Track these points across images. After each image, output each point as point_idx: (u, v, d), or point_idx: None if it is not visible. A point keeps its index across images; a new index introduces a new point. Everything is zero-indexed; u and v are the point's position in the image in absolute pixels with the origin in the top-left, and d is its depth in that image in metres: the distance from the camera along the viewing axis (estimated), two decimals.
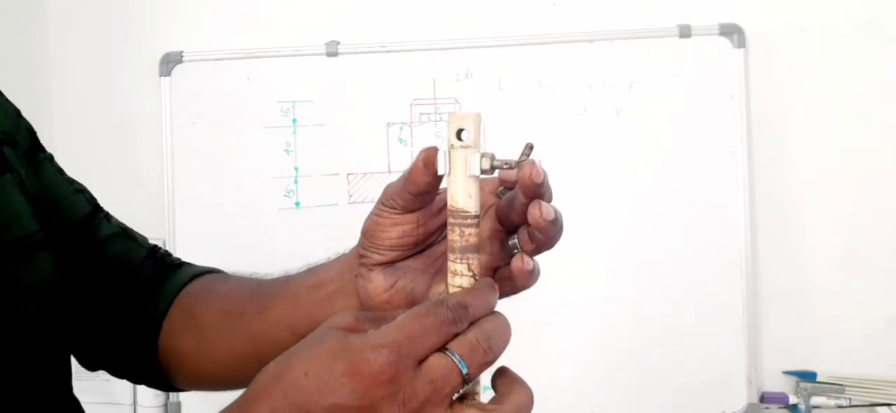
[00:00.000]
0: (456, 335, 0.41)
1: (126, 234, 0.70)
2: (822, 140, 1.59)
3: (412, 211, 0.50)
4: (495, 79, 1.59)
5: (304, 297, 0.56)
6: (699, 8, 1.58)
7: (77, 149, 1.68)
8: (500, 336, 0.43)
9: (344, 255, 0.55)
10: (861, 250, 1.58)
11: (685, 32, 1.56)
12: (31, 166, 0.62)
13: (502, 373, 0.46)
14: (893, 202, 1.58)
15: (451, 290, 0.45)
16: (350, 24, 1.65)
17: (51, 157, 0.67)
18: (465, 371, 0.40)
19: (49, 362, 0.57)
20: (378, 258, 0.51)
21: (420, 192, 0.49)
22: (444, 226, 0.48)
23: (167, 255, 0.71)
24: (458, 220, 0.45)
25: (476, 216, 0.45)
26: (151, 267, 0.68)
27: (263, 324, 0.58)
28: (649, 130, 1.56)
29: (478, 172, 0.45)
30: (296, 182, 1.62)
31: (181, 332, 0.63)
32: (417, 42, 1.61)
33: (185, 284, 0.66)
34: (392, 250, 0.51)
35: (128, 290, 0.66)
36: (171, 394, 1.60)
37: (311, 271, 0.57)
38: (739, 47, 1.56)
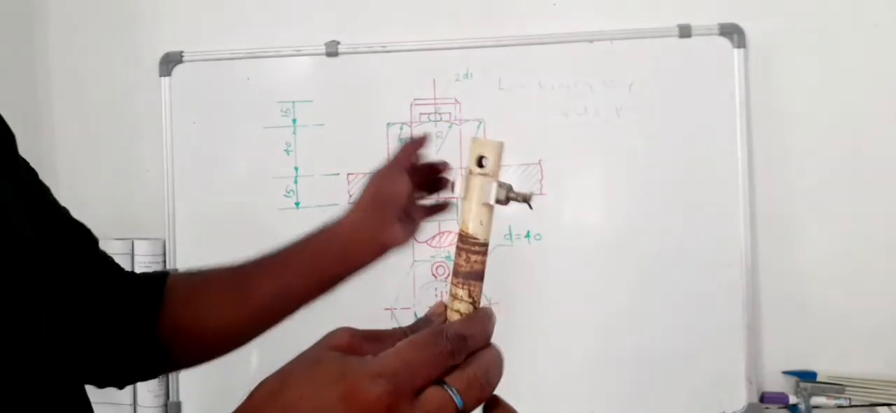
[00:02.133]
0: (454, 367, 0.41)
1: (105, 257, 0.71)
2: (822, 140, 1.59)
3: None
4: (495, 79, 1.59)
5: (292, 263, 0.59)
6: (699, 8, 1.58)
7: (77, 149, 1.68)
8: (496, 371, 0.43)
9: (339, 218, 0.57)
10: (861, 250, 1.58)
11: (685, 32, 1.56)
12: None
13: (496, 403, 0.46)
14: (893, 203, 1.58)
15: (451, 313, 0.45)
16: (350, 24, 1.65)
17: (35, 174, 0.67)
18: (460, 405, 0.40)
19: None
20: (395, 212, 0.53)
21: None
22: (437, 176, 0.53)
23: (107, 262, 0.72)
24: (467, 246, 0.45)
25: (484, 244, 0.45)
26: (137, 275, 0.69)
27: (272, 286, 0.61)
28: (649, 130, 1.56)
29: (493, 201, 0.45)
30: (296, 182, 1.62)
31: (191, 298, 0.64)
32: (417, 42, 1.61)
33: (165, 277, 0.67)
34: (393, 202, 0.53)
35: (121, 296, 0.66)
36: (170, 393, 1.60)
37: (324, 228, 0.60)
38: (739, 47, 1.56)
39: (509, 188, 0.46)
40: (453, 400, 0.40)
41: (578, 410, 1.57)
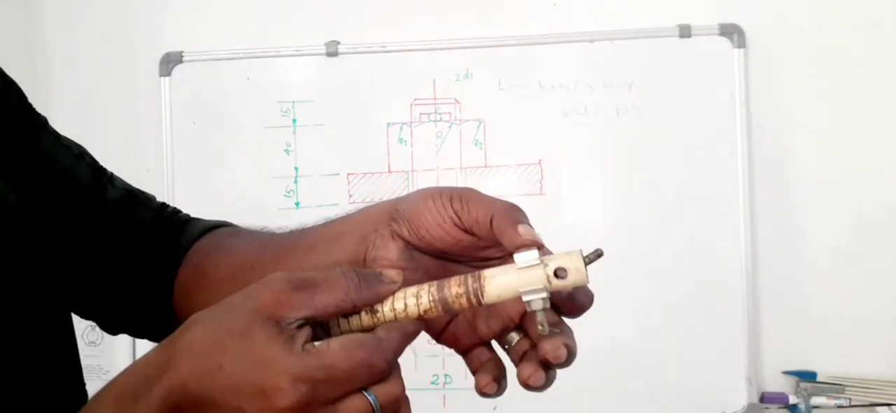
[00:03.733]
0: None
1: (132, 195, 0.69)
2: (822, 140, 1.59)
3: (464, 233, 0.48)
4: (495, 79, 1.59)
5: (320, 248, 0.54)
6: (699, 8, 1.58)
7: None
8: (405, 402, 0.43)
9: (367, 208, 0.53)
10: (861, 250, 1.58)
11: (685, 32, 1.56)
12: (24, 137, 0.61)
13: None
14: (893, 202, 1.58)
15: (407, 299, 0.43)
16: (350, 24, 1.65)
17: (45, 123, 0.66)
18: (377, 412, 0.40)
19: (56, 350, 0.57)
20: (406, 236, 0.49)
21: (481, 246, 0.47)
22: (476, 255, 0.47)
23: (176, 212, 0.70)
24: (469, 288, 0.43)
25: (481, 305, 0.43)
26: (161, 226, 0.68)
27: None
28: (649, 130, 1.56)
29: (530, 306, 0.43)
30: (296, 182, 1.62)
31: (193, 290, 0.62)
32: (417, 42, 1.61)
33: (194, 241, 0.65)
34: (421, 242, 0.48)
35: (139, 252, 0.65)
36: None
37: (329, 223, 0.56)
38: (739, 47, 1.56)
39: (547, 311, 0.43)
40: (372, 408, 0.39)
41: (578, 410, 1.57)
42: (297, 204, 1.61)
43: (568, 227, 1.57)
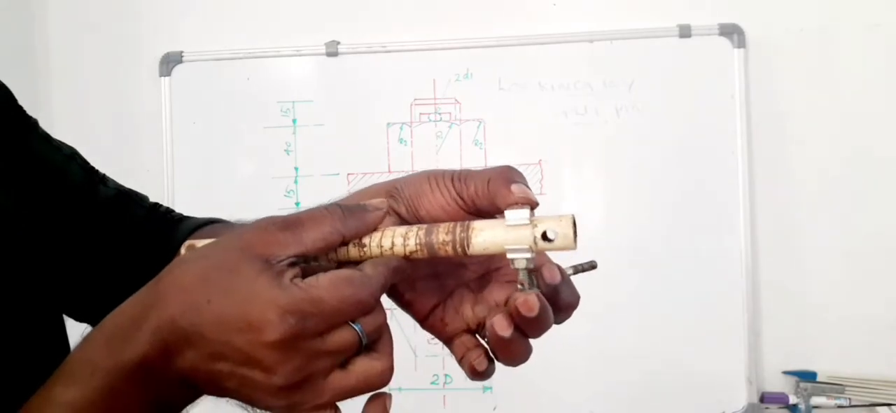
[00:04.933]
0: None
1: (125, 194, 0.69)
2: (822, 140, 1.59)
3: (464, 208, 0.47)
4: (495, 79, 1.59)
5: None
6: (699, 8, 1.58)
7: (77, 148, 1.68)
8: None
9: (359, 190, 0.52)
10: (861, 250, 1.58)
11: (685, 32, 1.56)
12: (14, 139, 0.60)
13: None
14: (893, 202, 1.58)
15: (386, 240, 0.43)
16: (350, 24, 1.65)
17: (35, 125, 0.66)
18: (364, 342, 0.41)
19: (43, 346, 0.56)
20: (403, 214, 0.48)
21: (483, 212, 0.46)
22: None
23: (169, 211, 0.70)
24: (456, 236, 0.42)
25: (465, 255, 0.43)
26: (153, 224, 0.67)
27: None
28: (649, 130, 1.56)
29: (513, 264, 0.42)
30: (296, 182, 1.62)
31: None
32: (417, 42, 1.61)
33: (187, 236, 0.65)
34: (418, 221, 0.47)
35: (131, 251, 0.65)
36: None
37: (319, 206, 0.56)
38: (739, 47, 1.56)
39: (531, 272, 0.43)
40: (359, 337, 0.40)
41: (578, 410, 1.57)
42: (297, 204, 1.61)
43: None
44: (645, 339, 1.55)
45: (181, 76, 1.64)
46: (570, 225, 0.42)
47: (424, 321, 0.50)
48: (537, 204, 0.44)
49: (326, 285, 0.39)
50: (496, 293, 0.48)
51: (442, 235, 0.43)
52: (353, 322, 0.40)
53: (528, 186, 0.45)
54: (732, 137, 1.55)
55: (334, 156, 1.60)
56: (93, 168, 0.69)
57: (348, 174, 1.60)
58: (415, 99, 1.60)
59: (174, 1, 1.71)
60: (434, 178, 0.47)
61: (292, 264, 0.40)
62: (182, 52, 1.64)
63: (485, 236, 0.42)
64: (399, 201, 0.48)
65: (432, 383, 1.56)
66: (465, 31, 1.61)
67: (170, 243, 0.65)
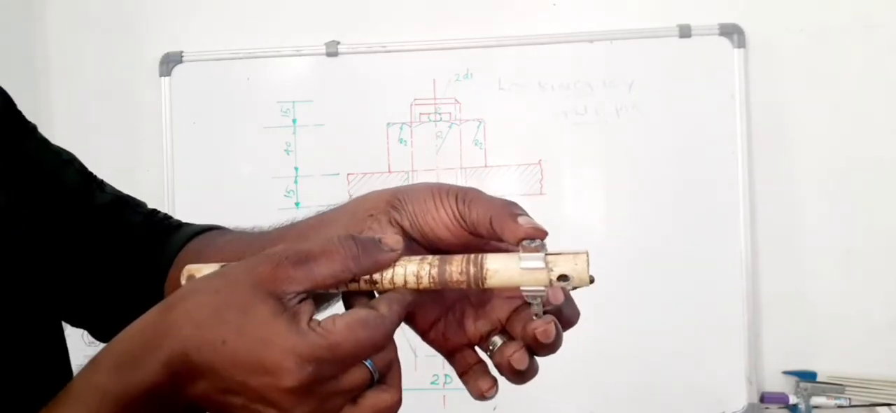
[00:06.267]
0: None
1: (122, 200, 0.69)
2: (822, 140, 1.59)
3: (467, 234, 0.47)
4: (495, 79, 1.59)
5: (310, 236, 0.52)
6: (699, 8, 1.58)
7: (77, 149, 1.67)
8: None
9: (361, 196, 0.52)
10: (861, 250, 1.58)
11: (685, 32, 1.56)
12: (12, 142, 0.60)
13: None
14: (893, 202, 1.58)
15: (408, 268, 0.42)
16: (350, 24, 1.65)
17: (34, 129, 0.66)
18: (375, 377, 0.41)
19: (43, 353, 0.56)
20: (407, 227, 0.48)
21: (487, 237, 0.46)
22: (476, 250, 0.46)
23: (166, 217, 0.70)
24: (470, 275, 0.42)
25: (481, 289, 0.43)
26: (150, 230, 0.67)
27: None
28: (649, 130, 1.56)
29: (528, 298, 0.42)
30: (296, 182, 1.62)
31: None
32: (417, 42, 1.61)
33: (183, 244, 0.65)
34: (422, 237, 0.47)
35: (128, 256, 0.65)
36: None
37: (320, 214, 0.55)
38: (739, 47, 1.56)
39: (544, 301, 0.43)
40: (372, 374, 0.40)
41: (578, 410, 1.57)
42: (297, 204, 1.61)
43: (568, 226, 1.56)
44: (645, 339, 1.55)
45: (181, 76, 1.64)
46: (585, 264, 0.41)
47: (425, 335, 0.50)
48: (546, 234, 0.43)
49: (343, 330, 0.39)
50: (498, 309, 0.48)
51: (455, 274, 0.42)
52: (370, 363, 0.40)
53: (530, 217, 0.44)
54: (732, 137, 1.55)
55: (334, 156, 1.60)
56: (90, 173, 0.69)
57: (348, 174, 1.60)
58: (415, 99, 1.60)
59: (174, 1, 1.71)
60: (438, 194, 0.47)
61: (304, 300, 0.40)
62: (182, 52, 1.64)
63: (500, 277, 0.42)
64: (402, 214, 0.47)
65: (432, 383, 1.56)
66: (465, 31, 1.61)
67: (165, 249, 0.64)
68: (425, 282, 0.42)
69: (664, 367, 1.55)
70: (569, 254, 0.42)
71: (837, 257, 1.59)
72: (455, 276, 0.42)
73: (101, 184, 0.69)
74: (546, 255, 0.42)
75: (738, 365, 1.54)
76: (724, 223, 1.55)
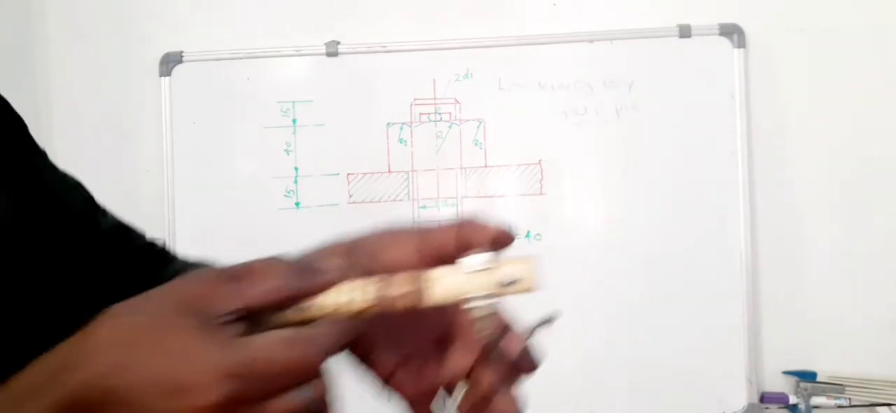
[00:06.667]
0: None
1: (123, 228, 0.70)
2: (822, 140, 1.59)
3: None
4: (495, 79, 1.59)
5: None
6: (699, 8, 1.58)
7: (77, 149, 1.68)
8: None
9: (322, 247, 0.48)
10: (861, 250, 1.58)
11: (685, 32, 1.56)
12: (23, 163, 0.61)
13: None
14: (893, 202, 1.58)
15: (348, 292, 0.39)
16: (350, 24, 1.65)
17: (44, 155, 0.67)
18: (311, 411, 0.37)
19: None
20: (360, 271, 0.44)
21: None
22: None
23: (165, 248, 0.71)
24: (413, 287, 0.39)
25: (422, 307, 0.40)
26: (147, 259, 0.68)
27: None
28: (649, 130, 1.56)
29: (473, 313, 0.40)
30: (296, 182, 1.62)
31: None
32: (417, 42, 1.61)
33: (179, 273, 0.66)
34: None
35: (129, 282, 0.66)
36: None
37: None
38: (739, 47, 1.56)
39: (495, 316, 0.41)
40: (304, 401, 0.36)
41: (578, 410, 1.57)
42: (297, 204, 1.61)
43: (568, 226, 1.57)
44: (645, 339, 1.55)
45: (181, 76, 1.64)
46: (532, 266, 0.39)
47: (386, 382, 0.47)
48: (513, 238, 0.41)
49: (272, 344, 0.35)
50: (460, 359, 0.45)
51: (397, 288, 0.39)
52: (300, 387, 0.36)
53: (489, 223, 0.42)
54: (732, 137, 1.55)
55: (334, 156, 1.60)
56: (95, 200, 0.70)
57: (348, 174, 1.60)
58: (415, 99, 1.60)
59: (174, 1, 1.71)
60: (397, 231, 0.44)
61: (235, 321, 0.36)
62: (182, 52, 1.64)
63: (443, 284, 0.39)
64: (358, 258, 0.44)
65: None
66: (465, 31, 1.61)
67: (163, 278, 0.65)
68: (366, 299, 0.39)
69: (664, 367, 1.55)
70: (515, 259, 0.40)
71: (837, 257, 1.59)
72: (396, 290, 0.39)
73: (103, 211, 0.69)
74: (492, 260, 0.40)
75: (738, 365, 1.54)
76: (724, 223, 1.55)
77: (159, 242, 0.71)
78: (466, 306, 0.40)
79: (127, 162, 1.69)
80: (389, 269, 0.41)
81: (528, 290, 0.40)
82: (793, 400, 1.56)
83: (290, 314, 0.39)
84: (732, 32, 1.56)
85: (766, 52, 1.58)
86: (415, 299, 0.39)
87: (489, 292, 0.40)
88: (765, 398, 1.57)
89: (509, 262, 0.40)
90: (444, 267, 0.40)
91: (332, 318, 0.39)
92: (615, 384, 1.56)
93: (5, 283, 0.52)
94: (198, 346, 0.35)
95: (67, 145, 1.67)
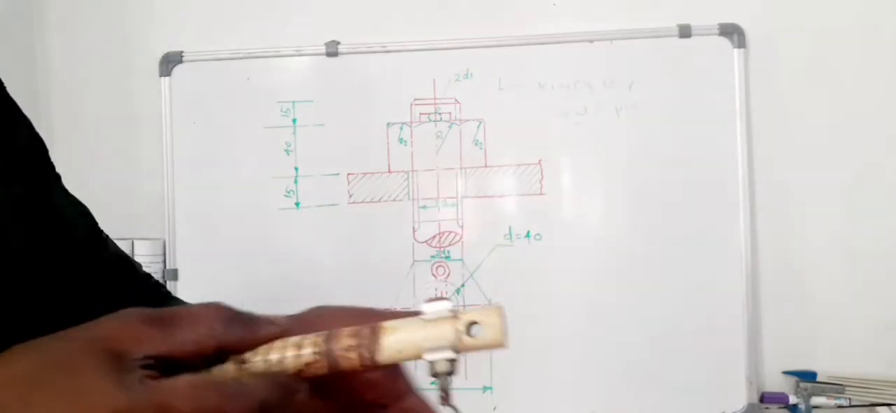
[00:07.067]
0: None
1: (125, 259, 0.71)
2: (822, 140, 1.59)
3: None
4: (495, 79, 1.59)
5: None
6: (699, 8, 1.58)
7: (77, 149, 1.68)
8: None
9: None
10: (861, 250, 1.58)
11: (685, 32, 1.56)
12: (37, 183, 0.62)
13: None
14: (893, 202, 1.58)
15: (274, 353, 0.35)
16: (350, 24, 1.65)
17: (58, 178, 0.68)
18: None
19: None
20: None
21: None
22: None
23: (159, 285, 0.72)
24: (362, 341, 0.35)
25: (375, 366, 0.36)
26: (144, 293, 0.69)
27: None
28: (649, 130, 1.56)
29: (432, 369, 0.36)
30: (296, 182, 1.62)
31: None
32: (417, 42, 1.61)
33: None
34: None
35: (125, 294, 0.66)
36: None
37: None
38: (739, 47, 1.56)
39: (448, 377, 0.36)
40: None
41: (578, 410, 1.57)
42: (297, 204, 1.61)
43: (568, 226, 1.57)
44: (644, 338, 1.55)
45: (181, 76, 1.64)
46: (500, 316, 0.35)
47: None
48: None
49: (183, 390, 0.31)
50: None
51: (345, 341, 0.35)
52: None
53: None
54: (732, 137, 1.55)
55: (334, 156, 1.60)
56: (99, 229, 0.70)
57: (348, 174, 1.60)
58: (415, 99, 1.60)
59: (174, 1, 1.71)
60: (346, 308, 0.41)
61: (152, 366, 0.32)
62: (182, 52, 1.64)
63: (398, 337, 0.35)
64: (304, 317, 0.40)
65: (432, 383, 1.56)
66: (465, 31, 1.61)
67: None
68: (307, 355, 0.35)
69: (664, 367, 1.55)
70: (479, 307, 0.36)
71: (837, 257, 1.59)
72: (345, 342, 0.35)
73: (107, 240, 0.70)
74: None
75: (738, 365, 1.54)
76: (724, 223, 1.55)
77: (153, 279, 0.72)
78: (424, 359, 0.36)
79: (127, 162, 1.69)
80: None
81: (495, 344, 0.35)
82: (793, 400, 1.56)
83: (230, 367, 0.35)
84: (732, 32, 1.56)
85: (766, 52, 1.58)
86: (364, 353, 0.35)
87: (448, 346, 0.35)
88: (765, 398, 1.57)
89: (474, 312, 0.35)
90: (401, 318, 0.36)
91: (273, 372, 0.35)
92: (615, 384, 1.56)
93: (17, 312, 0.52)
94: (95, 386, 0.31)
95: (68, 145, 1.67)
